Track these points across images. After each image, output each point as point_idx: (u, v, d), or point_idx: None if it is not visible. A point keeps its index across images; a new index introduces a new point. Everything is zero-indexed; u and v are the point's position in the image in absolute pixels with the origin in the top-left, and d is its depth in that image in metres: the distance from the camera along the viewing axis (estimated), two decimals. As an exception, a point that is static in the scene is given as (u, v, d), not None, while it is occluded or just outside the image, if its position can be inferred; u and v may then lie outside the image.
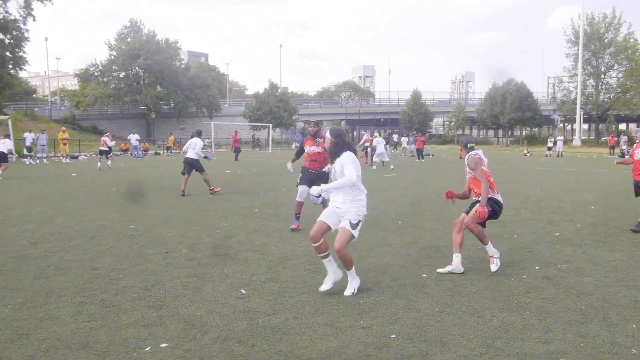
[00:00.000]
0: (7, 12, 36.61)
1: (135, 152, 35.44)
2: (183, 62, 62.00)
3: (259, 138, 60.37)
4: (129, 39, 58.54)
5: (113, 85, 57.66)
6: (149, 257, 6.39)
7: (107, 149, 22.50)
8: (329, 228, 4.96)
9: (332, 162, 5.11)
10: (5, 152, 18.03)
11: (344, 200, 4.96)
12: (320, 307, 4.59)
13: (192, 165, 12.85)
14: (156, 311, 4.47)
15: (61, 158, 30.62)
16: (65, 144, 30.36)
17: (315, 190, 4.96)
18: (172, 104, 57.95)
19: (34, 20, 37.48)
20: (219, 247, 6.97)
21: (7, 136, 22.78)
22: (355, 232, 4.88)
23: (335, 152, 5.03)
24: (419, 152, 32.54)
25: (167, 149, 41.96)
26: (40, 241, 7.29)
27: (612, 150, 39.51)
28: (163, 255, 6.45)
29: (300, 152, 8.61)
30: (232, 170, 21.96)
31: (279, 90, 63.45)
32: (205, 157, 13.68)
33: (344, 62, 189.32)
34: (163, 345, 3.79)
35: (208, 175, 13.10)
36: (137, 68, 56.71)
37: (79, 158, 32.91)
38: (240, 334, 3.99)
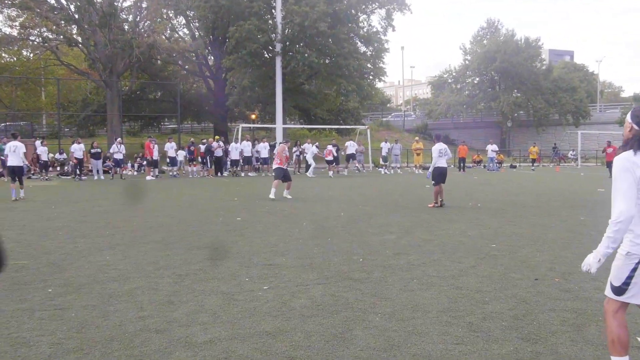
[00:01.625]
0: (370, 25, 41.79)
1: (491, 165, 35.87)
2: (544, 62, 60.56)
3: None
4: (484, 41, 60.15)
5: (467, 92, 60.01)
6: (516, 282, 6.30)
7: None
8: None
9: None
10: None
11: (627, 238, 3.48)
12: None
13: (444, 175, 13.63)
14: (531, 345, 4.34)
15: (414, 169, 33.20)
16: (418, 154, 32.78)
17: None
18: (531, 111, 56.94)
19: (393, 30, 41.73)
20: (597, 279, 6.42)
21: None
22: (618, 298, 3.49)
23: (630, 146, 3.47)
24: None
25: (533, 161, 39.93)
26: (402, 252, 7.96)
27: None
28: (532, 282, 6.28)
29: None
30: (605, 188, 20.31)
31: (669, 90, 56.14)
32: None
33: None
34: (543, 386, 3.64)
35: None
36: (492, 72, 57.79)
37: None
38: (641, 392, 3.56)
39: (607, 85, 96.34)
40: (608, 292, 3.52)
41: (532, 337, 4.54)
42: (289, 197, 15.56)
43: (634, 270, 3.36)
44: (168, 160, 28.55)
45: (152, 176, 26.15)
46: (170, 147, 28.12)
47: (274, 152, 17.94)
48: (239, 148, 28.69)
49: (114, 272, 6.76)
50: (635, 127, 3.43)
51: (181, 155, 28.90)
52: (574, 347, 4.33)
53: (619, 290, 3.43)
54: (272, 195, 15.21)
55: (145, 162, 29.45)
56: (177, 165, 28.65)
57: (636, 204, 3.33)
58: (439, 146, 13.67)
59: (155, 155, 27.08)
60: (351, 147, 31.49)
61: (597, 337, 4.52)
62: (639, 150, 3.36)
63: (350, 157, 31.52)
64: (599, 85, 76.40)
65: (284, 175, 15.50)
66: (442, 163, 13.51)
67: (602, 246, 3.38)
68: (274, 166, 15.90)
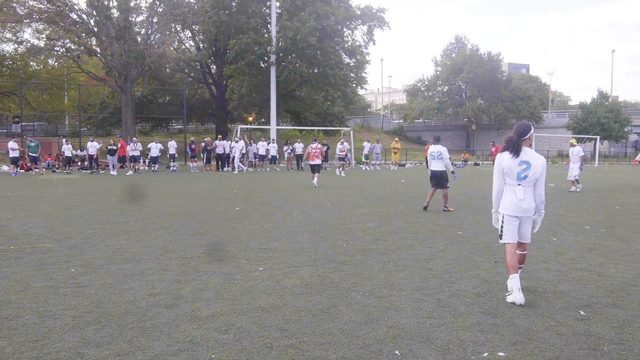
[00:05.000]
0: (353, 39, 41.71)
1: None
2: (504, 74, 60.74)
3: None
4: (453, 55, 60.26)
5: (437, 99, 60.14)
6: (479, 264, 6.37)
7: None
8: None
9: None
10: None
11: None
12: (683, 347, 3.84)
13: (439, 179, 11.43)
14: (491, 319, 4.40)
15: (391, 165, 33.27)
16: (396, 153, 32.86)
17: None
18: (492, 116, 57.24)
19: (374, 44, 41.64)
20: (548, 262, 6.51)
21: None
22: (501, 241, 5.18)
23: None
24: None
25: None
26: (381, 238, 7.99)
27: None
28: (492, 264, 6.35)
29: None
30: (555, 184, 20.49)
31: (609, 100, 56.53)
32: (452, 173, 11.88)
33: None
34: (500, 354, 3.69)
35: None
36: (459, 82, 57.95)
37: (406, 166, 35.20)
38: (584, 358, 3.62)
39: (557, 94, 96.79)
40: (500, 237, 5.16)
41: (492, 311, 4.60)
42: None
43: (502, 222, 5.07)
44: (169, 156, 28.36)
45: (132, 171, 25.50)
46: (171, 146, 27.95)
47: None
48: (235, 147, 28.11)
49: (127, 255, 6.73)
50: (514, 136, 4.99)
51: (155, 151, 27.32)
52: (527, 319, 4.39)
53: (500, 236, 5.13)
54: (315, 184, 17.17)
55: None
56: (175, 161, 28.32)
57: (503, 183, 5.04)
58: (431, 148, 11.66)
59: (131, 152, 26.03)
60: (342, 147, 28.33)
61: (547, 310, 4.59)
62: (506, 151, 5.00)
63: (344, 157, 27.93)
64: (550, 95, 76.81)
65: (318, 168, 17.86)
66: (436, 166, 11.48)
67: (493, 209, 5.16)
68: (316, 162, 17.73)
